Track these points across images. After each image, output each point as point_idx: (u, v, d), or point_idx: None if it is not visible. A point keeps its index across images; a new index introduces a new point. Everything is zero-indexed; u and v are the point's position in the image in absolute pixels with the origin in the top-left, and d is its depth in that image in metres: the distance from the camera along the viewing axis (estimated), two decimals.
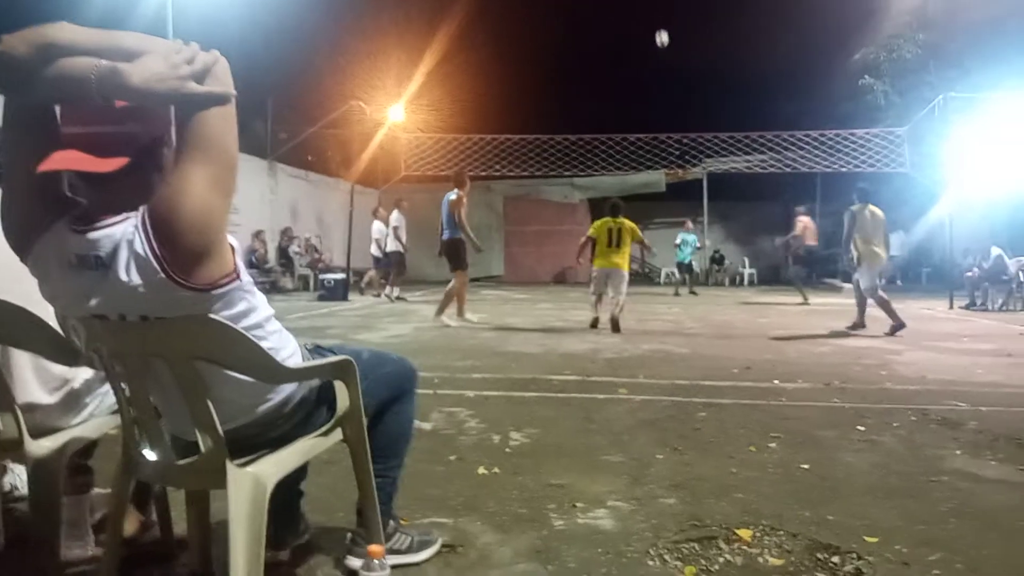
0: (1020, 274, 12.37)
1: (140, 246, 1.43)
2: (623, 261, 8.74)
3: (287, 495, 2.17)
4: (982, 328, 9.45)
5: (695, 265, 18.02)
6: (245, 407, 1.74)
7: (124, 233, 1.46)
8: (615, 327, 8.38)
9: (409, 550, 2.21)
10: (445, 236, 9.23)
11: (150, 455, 1.76)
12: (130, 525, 2.22)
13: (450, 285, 9.20)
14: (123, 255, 1.45)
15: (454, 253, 9.19)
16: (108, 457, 2.94)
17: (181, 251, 1.43)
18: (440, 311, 9.14)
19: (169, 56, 1.41)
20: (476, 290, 15.31)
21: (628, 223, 8.73)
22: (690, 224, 17.51)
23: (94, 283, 1.49)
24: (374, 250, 14.24)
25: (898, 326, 8.18)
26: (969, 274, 12.91)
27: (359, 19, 23.40)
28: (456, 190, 9.20)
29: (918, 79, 18.98)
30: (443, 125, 21.01)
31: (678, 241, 17.03)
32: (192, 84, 1.41)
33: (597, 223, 8.95)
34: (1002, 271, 12.35)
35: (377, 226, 14.07)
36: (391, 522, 2.21)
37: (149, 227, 1.44)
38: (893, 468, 3.26)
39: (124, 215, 1.48)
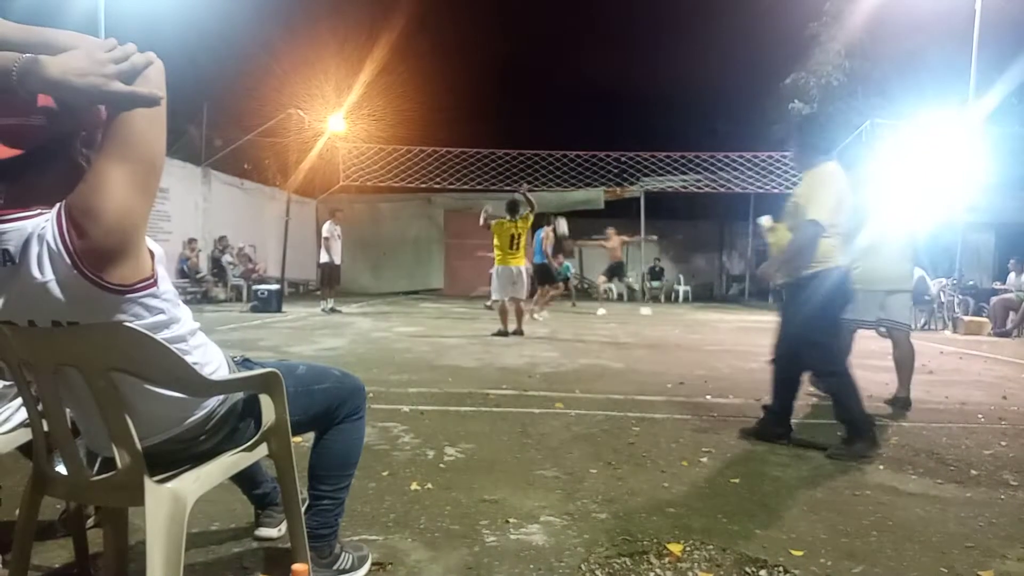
0: (941, 295, 12.91)
1: (52, 239, 1.39)
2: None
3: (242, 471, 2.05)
4: None
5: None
6: (166, 421, 1.68)
7: (36, 227, 1.41)
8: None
9: (352, 568, 2.18)
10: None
11: (63, 471, 1.68)
12: None
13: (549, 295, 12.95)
14: (34, 249, 1.40)
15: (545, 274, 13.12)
16: (8, 472, 2.82)
17: (95, 246, 1.38)
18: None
19: (94, 53, 1.37)
20: (415, 303, 15.16)
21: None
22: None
23: (2, 281, 1.43)
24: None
25: None
26: None
27: (298, 27, 23.16)
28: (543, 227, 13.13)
29: (845, 105, 19.61)
30: (384, 136, 20.86)
31: None
32: (115, 83, 1.37)
33: None
34: (924, 292, 12.83)
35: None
36: (337, 544, 2.16)
37: (64, 220, 1.39)
38: (819, 482, 3.34)
39: (36, 210, 1.42)
